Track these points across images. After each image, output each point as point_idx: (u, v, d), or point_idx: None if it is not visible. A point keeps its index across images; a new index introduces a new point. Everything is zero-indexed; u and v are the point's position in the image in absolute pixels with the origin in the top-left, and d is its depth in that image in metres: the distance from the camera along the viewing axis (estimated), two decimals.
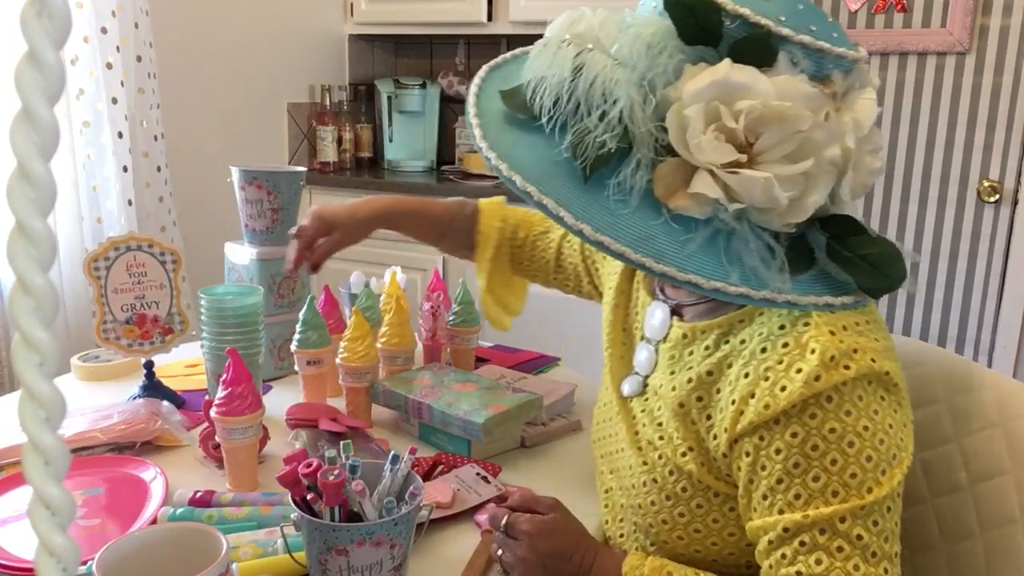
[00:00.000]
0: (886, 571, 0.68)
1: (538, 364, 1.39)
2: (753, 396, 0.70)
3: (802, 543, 0.68)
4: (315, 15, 2.85)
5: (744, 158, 0.67)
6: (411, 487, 0.75)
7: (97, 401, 1.18)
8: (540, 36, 0.75)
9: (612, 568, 0.77)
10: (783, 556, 0.69)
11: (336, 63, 2.98)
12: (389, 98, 2.95)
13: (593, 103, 0.68)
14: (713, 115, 0.66)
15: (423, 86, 2.95)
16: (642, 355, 0.86)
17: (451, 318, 1.31)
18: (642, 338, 0.88)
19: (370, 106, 3.04)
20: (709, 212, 0.67)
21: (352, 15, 2.90)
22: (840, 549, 0.67)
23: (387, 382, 1.15)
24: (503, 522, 0.81)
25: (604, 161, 0.68)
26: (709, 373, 0.76)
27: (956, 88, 2.18)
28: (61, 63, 0.30)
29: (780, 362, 0.69)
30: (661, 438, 0.80)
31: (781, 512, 0.69)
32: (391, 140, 2.99)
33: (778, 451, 0.69)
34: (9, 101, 1.77)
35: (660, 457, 0.79)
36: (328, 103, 2.83)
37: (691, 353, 0.79)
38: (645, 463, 0.81)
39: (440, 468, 1.01)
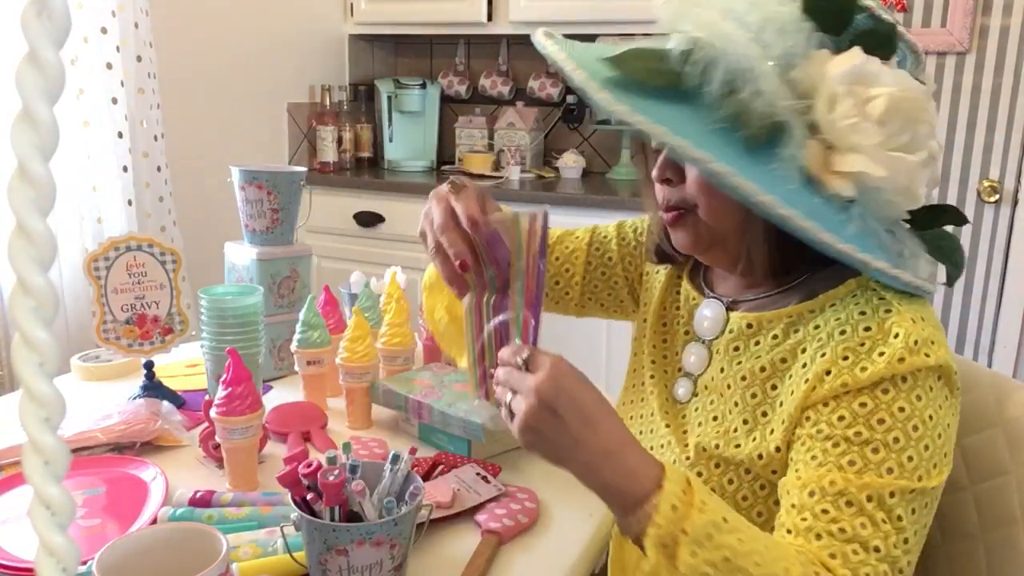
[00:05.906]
0: (909, 564, 0.67)
1: None
2: (829, 373, 0.70)
3: (848, 503, 0.66)
4: (315, 15, 2.85)
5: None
6: (411, 487, 0.75)
7: (97, 401, 1.18)
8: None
9: (649, 472, 0.64)
10: (824, 511, 0.67)
11: (336, 63, 2.98)
12: (389, 98, 2.95)
13: (744, 77, 0.66)
14: (856, 98, 0.68)
15: (423, 86, 2.95)
16: (691, 356, 0.85)
17: None
18: (687, 337, 0.87)
19: (370, 106, 3.04)
20: (854, 194, 0.68)
21: (352, 15, 2.90)
22: (884, 522, 0.65)
23: (387, 382, 1.15)
24: (525, 354, 0.67)
25: (774, 135, 0.66)
26: (783, 360, 0.76)
27: (956, 88, 2.18)
28: (61, 63, 0.30)
29: (862, 344, 0.70)
30: (716, 432, 0.79)
31: (830, 472, 0.68)
32: (391, 140, 2.99)
33: (841, 418, 0.69)
34: (9, 101, 1.77)
35: (704, 450, 0.79)
36: (328, 103, 2.83)
37: (757, 343, 0.79)
38: (688, 458, 0.80)
39: (440, 468, 1.01)
